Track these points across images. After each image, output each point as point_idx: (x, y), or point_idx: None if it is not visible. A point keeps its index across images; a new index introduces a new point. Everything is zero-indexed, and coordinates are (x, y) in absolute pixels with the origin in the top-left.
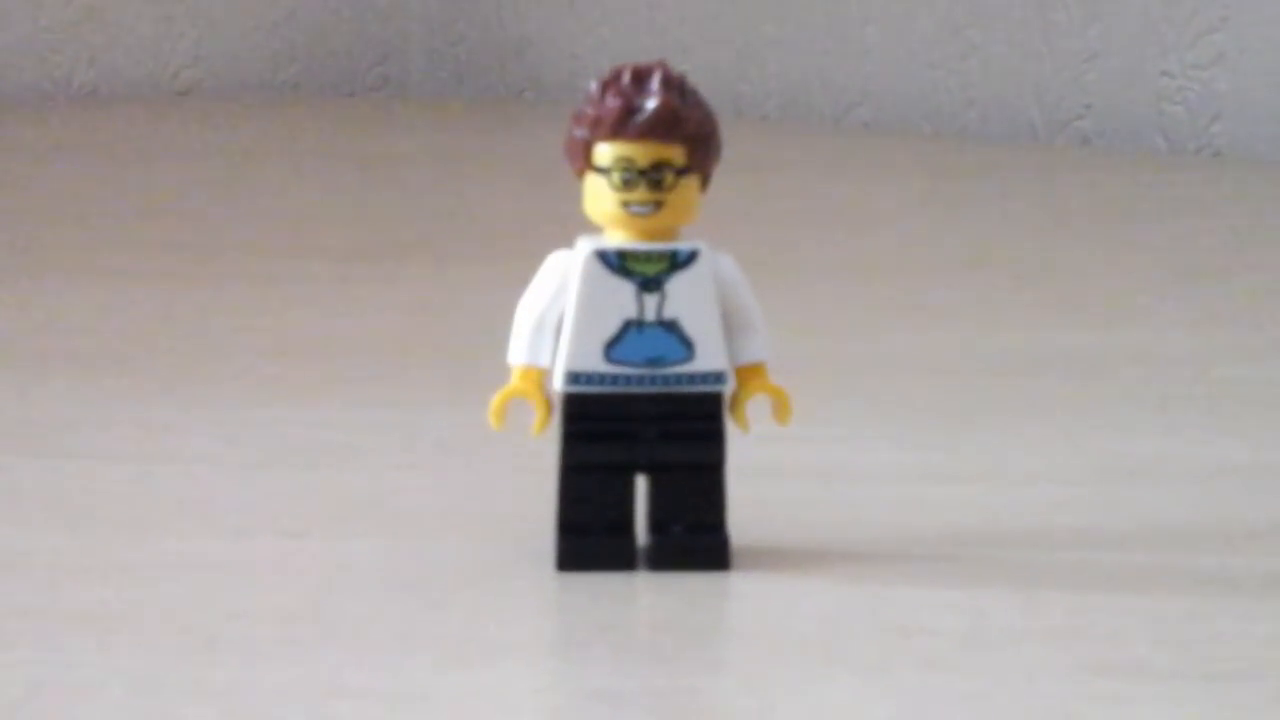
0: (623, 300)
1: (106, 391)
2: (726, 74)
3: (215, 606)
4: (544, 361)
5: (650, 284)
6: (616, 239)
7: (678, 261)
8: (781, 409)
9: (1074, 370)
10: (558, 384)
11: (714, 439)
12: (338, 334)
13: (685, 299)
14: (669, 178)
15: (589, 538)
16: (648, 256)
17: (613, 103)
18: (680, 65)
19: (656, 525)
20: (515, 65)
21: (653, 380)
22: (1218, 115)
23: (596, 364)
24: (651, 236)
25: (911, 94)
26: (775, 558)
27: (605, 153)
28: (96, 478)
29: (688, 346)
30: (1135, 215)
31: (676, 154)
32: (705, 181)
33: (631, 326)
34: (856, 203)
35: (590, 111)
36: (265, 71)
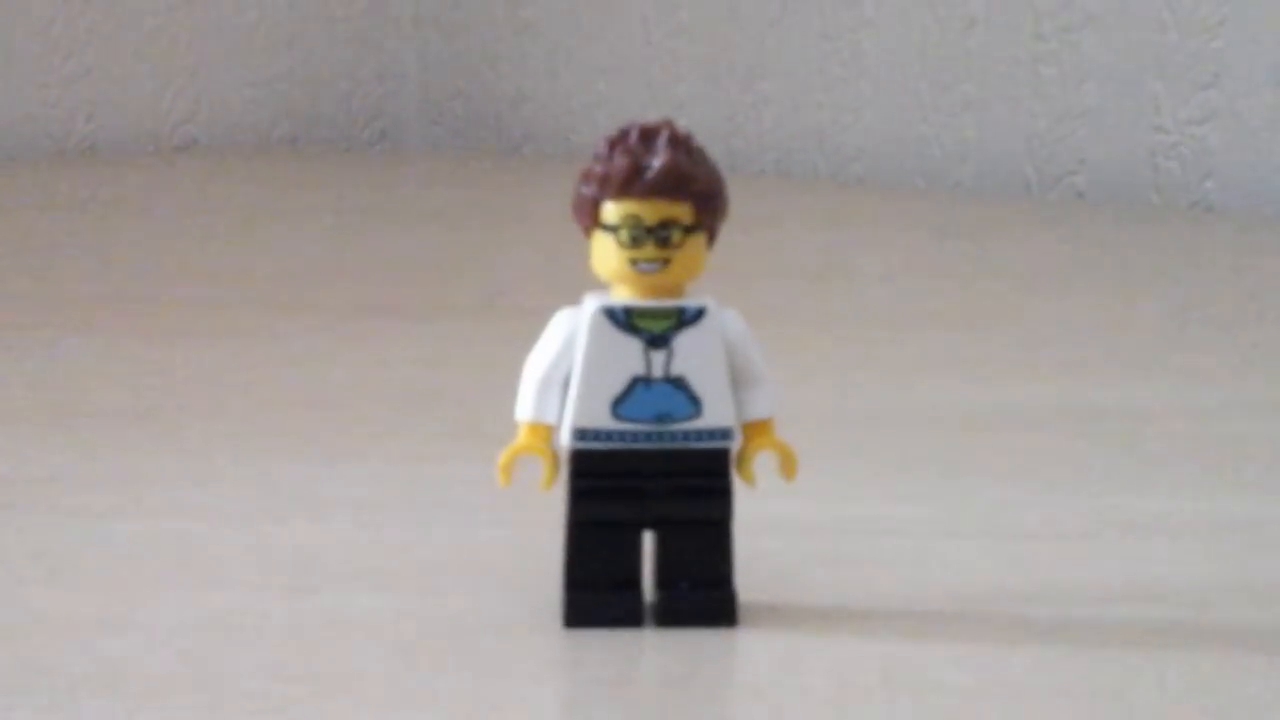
0: (630, 357)
1: (107, 447)
2: (721, 129)
3: (220, 663)
4: (551, 418)
5: (658, 341)
6: (624, 296)
7: (685, 318)
8: (788, 465)
9: (1072, 425)
10: (565, 440)
11: (721, 495)
12: (340, 389)
13: (693, 356)
14: (676, 235)
15: (596, 594)
16: (655, 313)
17: (621, 161)
18: (676, 120)
19: (663, 581)
20: (512, 120)
21: (660, 437)
22: (1211, 171)
23: (604, 420)
24: (659, 294)
25: (906, 149)
26: (783, 613)
27: (613, 210)
28: (101, 534)
29: (695, 403)
30: (1129, 270)
31: (684, 212)
32: (712, 239)
33: (639, 383)
34: (852, 257)
35: (598, 170)
36: (262, 127)
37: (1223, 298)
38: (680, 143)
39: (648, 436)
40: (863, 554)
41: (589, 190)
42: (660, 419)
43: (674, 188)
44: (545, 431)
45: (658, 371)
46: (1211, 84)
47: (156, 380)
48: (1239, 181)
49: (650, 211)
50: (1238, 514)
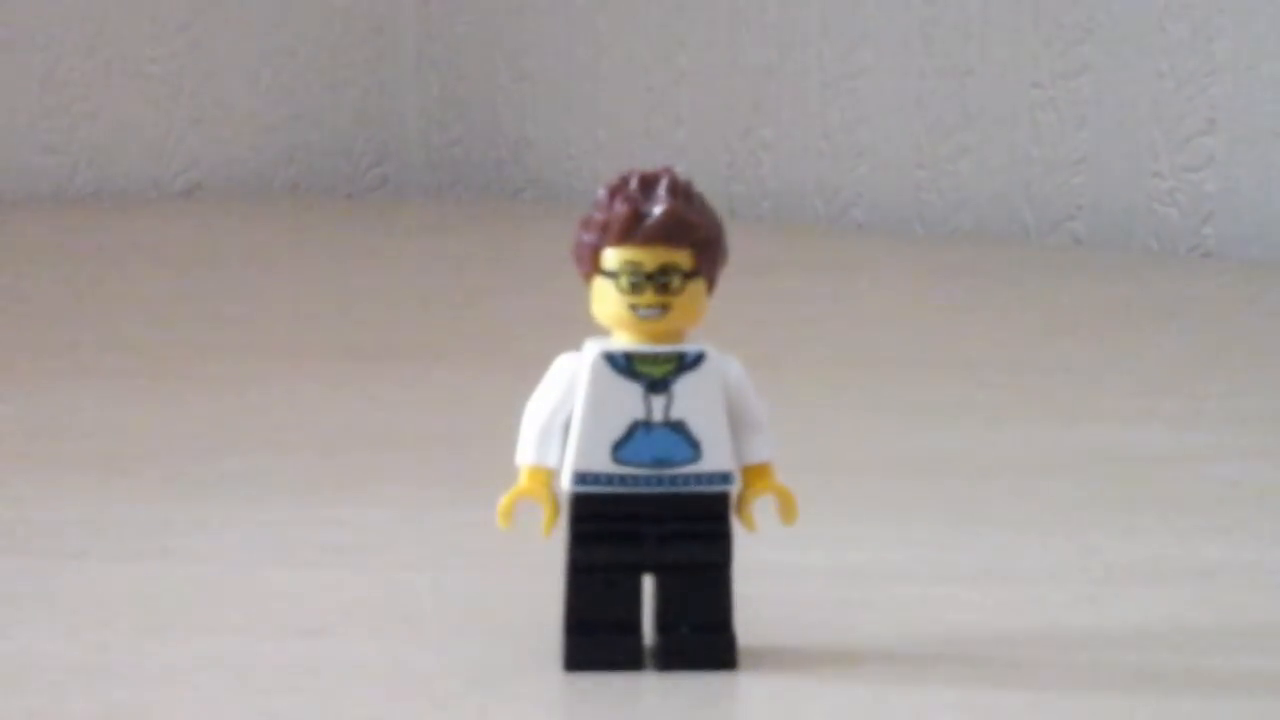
0: (630, 401)
1: (110, 492)
2: (721, 175)
3: (223, 708)
4: (552, 462)
5: (658, 385)
6: (624, 341)
7: (685, 363)
8: (787, 509)
9: (1069, 469)
10: (566, 484)
11: (720, 539)
12: (341, 434)
13: (692, 400)
14: (676, 282)
15: (596, 638)
16: (655, 359)
17: (621, 208)
18: (675, 167)
19: (663, 625)
20: (513, 166)
21: (660, 481)
22: (1209, 216)
23: (604, 464)
24: (659, 339)
25: (904, 195)
26: (782, 657)
27: (613, 257)
28: (102, 579)
29: (694, 447)
30: (1128, 316)
31: (684, 258)
32: (711, 285)
33: (639, 427)
34: (851, 303)
35: (598, 217)
36: (265, 172)
37: (1221, 343)
38: (680, 190)
39: (648, 480)
40: (862, 598)
41: (589, 237)
42: (660, 463)
43: (674, 234)
44: (546, 475)
45: (658, 416)
46: (1209, 130)
47: (156, 424)
48: (1237, 227)
49: (650, 258)
50: (1234, 558)
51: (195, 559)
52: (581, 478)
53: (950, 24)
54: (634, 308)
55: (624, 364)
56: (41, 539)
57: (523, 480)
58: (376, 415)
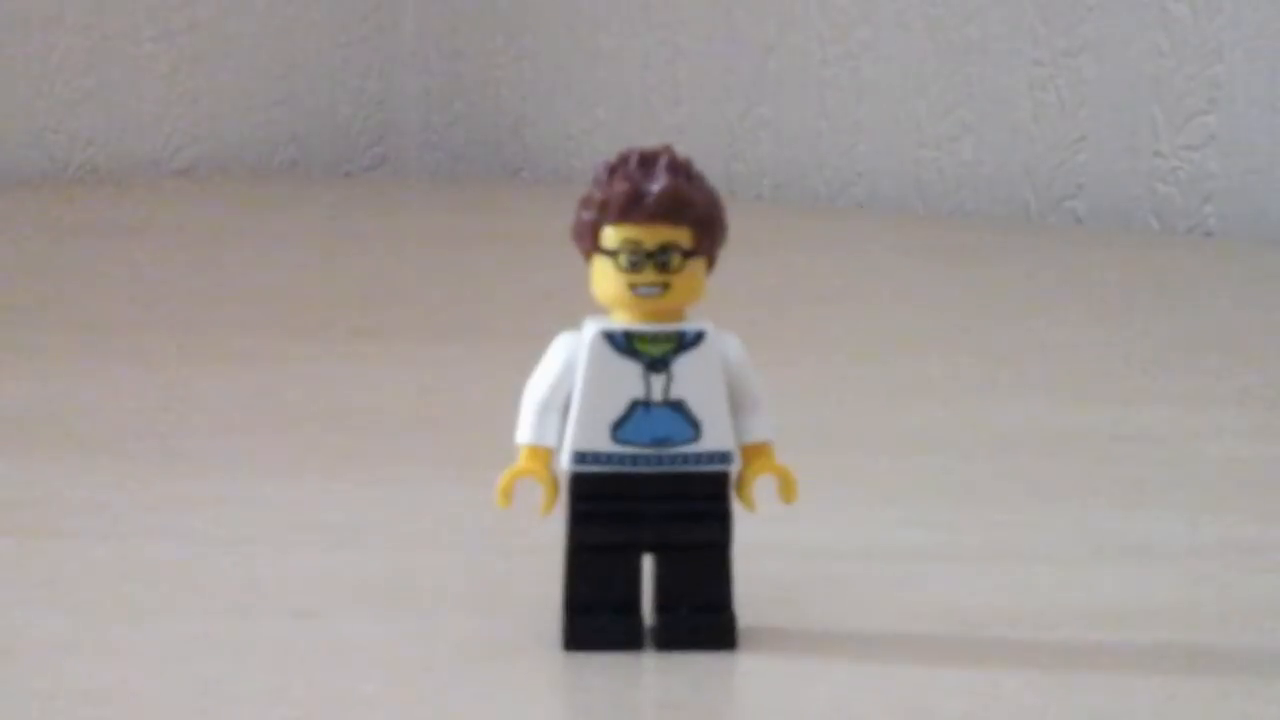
0: (630, 380)
1: (107, 470)
2: (721, 154)
3: (220, 687)
4: (551, 441)
5: (657, 364)
6: (623, 320)
7: (684, 342)
8: (787, 488)
9: (1069, 449)
10: (565, 463)
11: (720, 518)
12: (341, 413)
13: (692, 379)
14: (676, 260)
15: (596, 618)
16: (655, 337)
17: (620, 186)
18: (675, 146)
19: (663, 605)
20: (511, 145)
21: (659, 460)
22: (1209, 196)
23: (604, 444)
24: (658, 318)
25: (905, 174)
26: (782, 637)
27: (612, 235)
28: (98, 557)
29: (694, 426)
30: (1128, 295)
31: (683, 236)
32: (711, 263)
33: (639, 406)
34: (851, 281)
35: (598, 195)
36: (263, 151)
37: (1221, 322)
38: (679, 168)
39: (647, 460)
40: (862, 577)
41: (589, 215)
42: (659, 442)
43: (673, 212)
44: (545, 455)
45: (657, 395)
46: (1209, 109)
47: (154, 403)
48: (1237, 206)
49: (650, 236)
50: (1234, 537)
51: (192, 538)
52: (581, 457)
53: (950, 1)
54: (633, 286)
55: (623, 343)
56: (37, 518)
57: (522, 459)
58: (374, 394)
